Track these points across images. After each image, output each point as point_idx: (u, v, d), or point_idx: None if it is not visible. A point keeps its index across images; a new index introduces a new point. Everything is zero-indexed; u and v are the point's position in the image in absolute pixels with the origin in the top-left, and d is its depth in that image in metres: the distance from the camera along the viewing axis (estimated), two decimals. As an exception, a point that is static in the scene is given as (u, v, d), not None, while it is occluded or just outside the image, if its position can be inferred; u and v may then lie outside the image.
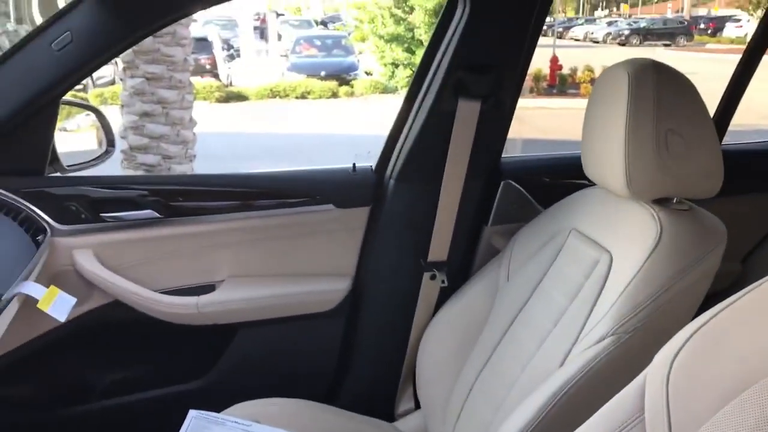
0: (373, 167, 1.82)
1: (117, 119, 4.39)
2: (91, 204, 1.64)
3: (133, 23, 1.54)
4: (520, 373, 1.38)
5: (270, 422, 1.44)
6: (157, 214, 1.67)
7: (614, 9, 42.41)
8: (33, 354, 1.60)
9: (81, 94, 12.49)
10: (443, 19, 1.70)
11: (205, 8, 1.62)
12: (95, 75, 14.01)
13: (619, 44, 25.39)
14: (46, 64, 1.49)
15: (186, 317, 1.69)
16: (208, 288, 1.72)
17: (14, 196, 1.55)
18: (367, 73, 15.36)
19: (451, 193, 1.72)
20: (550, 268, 1.45)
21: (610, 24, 29.91)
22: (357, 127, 9.80)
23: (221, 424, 1.46)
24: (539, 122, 10.22)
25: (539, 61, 13.54)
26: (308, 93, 13.88)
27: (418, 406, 1.81)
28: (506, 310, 1.51)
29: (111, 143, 1.85)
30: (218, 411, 1.46)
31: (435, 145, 1.69)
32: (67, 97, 1.71)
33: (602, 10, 43.38)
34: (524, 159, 2.13)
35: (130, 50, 4.18)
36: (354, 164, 1.81)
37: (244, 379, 1.77)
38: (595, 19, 35.75)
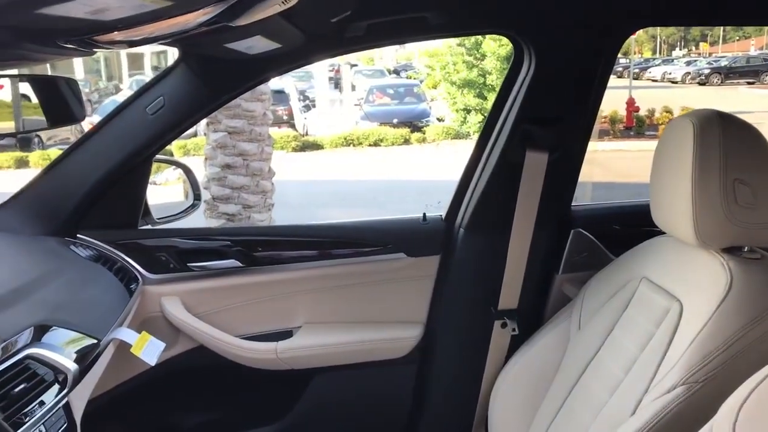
0: (443, 216, 1.87)
1: (200, 171, 4.62)
2: (179, 254, 1.75)
3: (220, 89, 1.67)
4: (592, 422, 1.38)
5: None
6: (240, 264, 1.77)
7: (693, 48, 41.48)
8: (124, 396, 1.70)
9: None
10: (510, 72, 1.75)
11: (282, 74, 1.73)
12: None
13: (699, 84, 24.77)
14: (141, 127, 1.63)
15: (265, 362, 1.76)
16: (286, 334, 1.80)
17: (110, 248, 1.68)
18: (439, 120, 15.51)
19: (521, 241, 1.74)
20: (621, 316, 1.45)
21: (689, 63, 29.27)
22: (428, 173, 9.90)
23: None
24: (616, 165, 10.04)
25: (615, 103, 13.36)
26: (381, 140, 14.12)
27: (490, 454, 1.81)
28: (578, 359, 1.51)
29: (197, 197, 1.98)
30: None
31: (504, 195, 1.72)
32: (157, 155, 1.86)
33: (680, 49, 42.48)
34: (594, 207, 2.14)
35: (213, 106, 4.42)
36: (425, 214, 1.86)
37: (318, 424, 1.82)
38: (672, 59, 35.06)
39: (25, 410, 1.08)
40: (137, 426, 1.80)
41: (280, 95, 16.11)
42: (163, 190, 2.09)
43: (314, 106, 17.69)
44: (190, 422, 1.84)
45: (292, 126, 15.93)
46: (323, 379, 1.83)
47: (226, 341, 1.74)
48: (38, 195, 1.67)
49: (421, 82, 17.82)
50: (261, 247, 1.80)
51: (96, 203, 1.68)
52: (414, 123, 14.94)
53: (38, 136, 14.51)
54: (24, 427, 1.06)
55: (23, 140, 14.05)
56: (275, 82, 18.05)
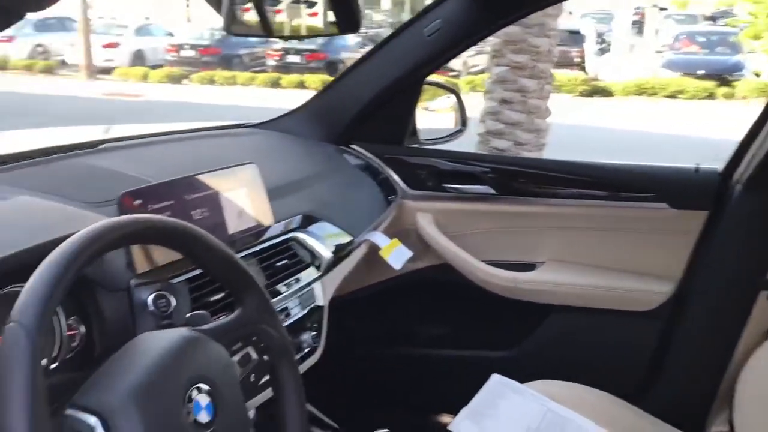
0: (720, 170, 1.70)
1: (481, 105, 4.69)
2: (438, 174, 1.84)
3: (497, 14, 1.68)
4: None
5: (568, 406, 1.46)
6: (493, 191, 1.80)
7: None
8: (367, 296, 1.87)
9: (454, 79, 13.51)
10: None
11: (558, 2, 1.68)
12: (469, 63, 15.00)
13: None
14: (417, 48, 1.72)
15: (504, 290, 1.80)
16: (528, 267, 1.81)
17: (377, 160, 1.83)
18: (756, 74, 13.71)
19: None
20: None
21: None
22: (729, 133, 8.88)
23: (520, 394, 1.54)
24: None
25: None
26: (680, 92, 12.95)
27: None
28: None
29: (464, 123, 2.05)
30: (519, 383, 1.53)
31: None
32: (432, 78, 1.94)
33: None
34: None
35: (499, 40, 4.43)
36: (698, 165, 1.71)
37: (550, 359, 1.81)
38: None
39: (284, 282, 1.25)
40: (374, 326, 1.97)
41: (575, 36, 15.52)
42: (436, 116, 2.19)
43: (610, 49, 16.75)
44: (423, 332, 1.97)
45: (583, 69, 15.30)
46: (560, 317, 1.81)
47: (470, 263, 1.80)
48: (322, 106, 1.87)
49: (741, 30, 15.82)
50: (516, 178, 1.81)
51: (370, 118, 1.83)
52: (723, 76, 13.43)
53: (240, 56, 15.93)
54: (281, 296, 1.24)
55: (225, 58, 15.63)
56: (571, 22, 17.40)
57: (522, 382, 1.58)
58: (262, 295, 0.89)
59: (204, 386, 0.74)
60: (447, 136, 2.02)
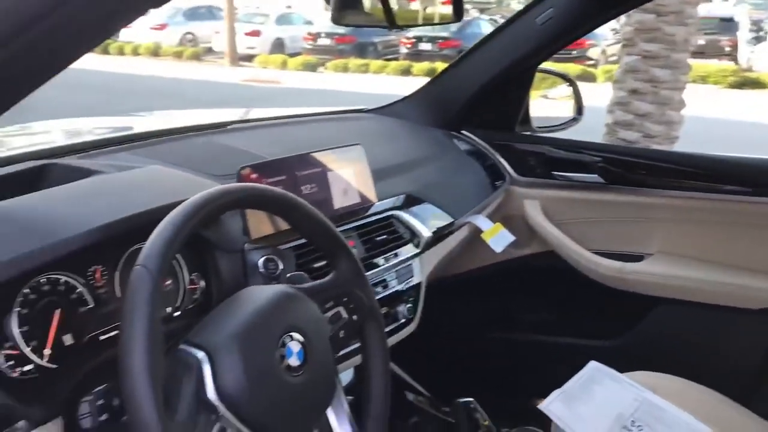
0: None
1: (610, 95, 4.56)
2: (547, 162, 1.86)
3: (610, 2, 1.67)
4: None
5: (668, 398, 1.44)
6: (602, 180, 1.80)
7: None
8: (475, 279, 1.92)
9: (591, 69, 13.07)
10: None
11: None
12: (608, 52, 14.45)
13: None
14: (529, 36, 1.74)
15: (609, 279, 1.79)
16: (636, 257, 1.79)
17: (486, 145, 1.88)
18: None
19: None
20: None
21: None
22: None
23: (617, 382, 1.53)
24: None
25: None
26: None
27: None
28: None
29: (579, 111, 2.04)
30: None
31: None
32: (547, 66, 1.96)
33: None
34: None
35: (631, 28, 4.28)
36: None
37: (652, 351, 1.79)
38: None
39: (383, 256, 1.34)
40: (476, 309, 2.02)
41: (727, 24, 14.54)
42: (555, 105, 2.20)
43: (767, 38, 15.53)
44: (524, 318, 1.99)
45: (734, 59, 14.29)
46: (667, 310, 1.78)
47: (576, 251, 1.81)
48: (434, 92, 1.94)
49: None
50: (626, 168, 1.79)
51: (481, 104, 1.88)
52: None
53: (374, 44, 15.95)
54: (379, 268, 1.33)
55: (360, 46, 15.69)
56: (724, 8, 16.27)
57: (621, 372, 1.58)
58: (354, 262, 0.98)
59: (297, 335, 0.84)
60: (561, 124, 2.03)
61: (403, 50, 15.94)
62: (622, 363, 1.59)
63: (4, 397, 0.77)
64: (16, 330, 0.82)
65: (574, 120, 2.04)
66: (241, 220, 1.12)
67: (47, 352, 0.85)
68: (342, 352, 1.18)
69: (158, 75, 13.48)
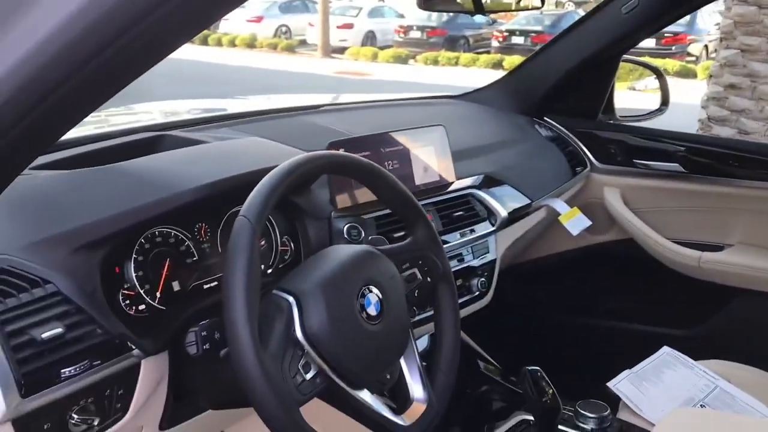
0: None
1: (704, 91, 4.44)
2: (628, 150, 1.88)
3: None
4: None
5: (741, 387, 1.44)
6: (683, 169, 1.81)
7: None
8: (553, 264, 1.97)
9: (691, 65, 12.56)
10: None
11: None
12: (711, 47, 13.82)
13: None
14: (613, 25, 1.76)
15: (687, 268, 1.80)
16: (714, 247, 1.79)
17: (567, 132, 1.92)
18: None
19: None
20: None
21: None
22: None
23: (688, 368, 1.55)
24: None
25: None
26: None
27: None
28: None
29: (665, 102, 2.05)
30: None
31: None
32: (631, 56, 1.97)
33: None
34: None
35: (730, 21, 4.14)
36: None
37: (728, 341, 1.78)
38: None
39: (459, 231, 1.42)
40: (551, 294, 2.05)
41: None
42: (642, 96, 2.20)
43: None
44: (599, 304, 2.01)
45: None
46: (744, 300, 1.77)
47: (655, 239, 1.83)
48: (518, 79, 1.99)
49: None
50: (709, 157, 1.79)
51: (564, 92, 1.91)
52: None
53: (465, 37, 15.76)
54: (455, 242, 1.40)
55: (450, 40, 15.47)
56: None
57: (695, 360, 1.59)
58: (431, 229, 1.07)
59: (375, 289, 0.93)
60: (645, 114, 2.04)
61: (495, 44, 15.77)
62: (696, 352, 1.60)
63: (123, 328, 0.90)
64: (133, 274, 0.95)
65: (659, 110, 2.04)
66: (328, 192, 1.23)
67: (158, 295, 0.98)
68: (417, 318, 1.27)
69: (253, 66, 13.93)
